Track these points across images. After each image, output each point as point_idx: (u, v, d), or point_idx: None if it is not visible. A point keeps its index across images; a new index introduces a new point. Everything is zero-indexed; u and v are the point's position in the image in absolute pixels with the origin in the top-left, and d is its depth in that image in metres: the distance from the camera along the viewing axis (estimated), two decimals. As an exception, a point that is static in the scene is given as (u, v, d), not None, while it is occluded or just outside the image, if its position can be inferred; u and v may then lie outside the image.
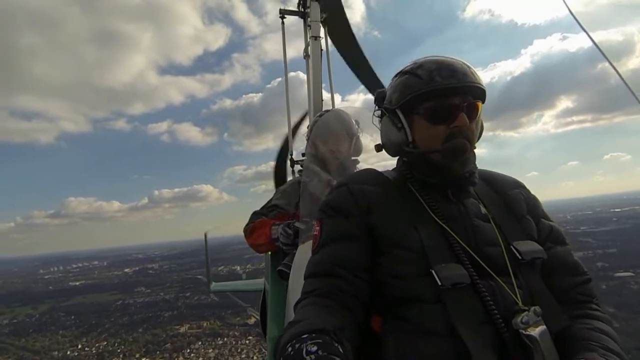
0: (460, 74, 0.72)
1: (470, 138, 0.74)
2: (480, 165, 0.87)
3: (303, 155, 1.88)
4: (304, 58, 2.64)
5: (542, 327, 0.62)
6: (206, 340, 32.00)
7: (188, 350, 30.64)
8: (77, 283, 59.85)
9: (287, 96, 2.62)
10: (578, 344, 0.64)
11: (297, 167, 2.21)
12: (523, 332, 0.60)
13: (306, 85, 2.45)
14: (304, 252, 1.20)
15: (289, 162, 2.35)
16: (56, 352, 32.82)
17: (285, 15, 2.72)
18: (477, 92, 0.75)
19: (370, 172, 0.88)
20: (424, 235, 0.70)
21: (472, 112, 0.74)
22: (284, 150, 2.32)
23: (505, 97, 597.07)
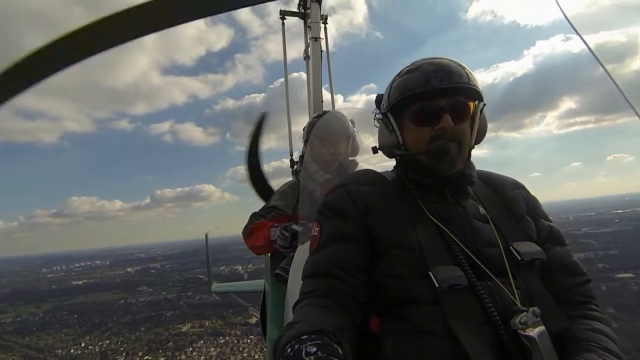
0: (449, 76, 0.72)
1: (457, 139, 0.74)
2: (482, 166, 0.87)
3: (301, 157, 1.87)
4: (304, 59, 2.65)
5: (541, 328, 0.62)
6: (208, 339, 32.10)
7: (190, 349, 30.75)
8: (80, 282, 60.21)
9: (287, 96, 2.63)
10: (577, 344, 0.64)
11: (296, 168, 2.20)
12: (522, 332, 0.60)
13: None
14: (302, 254, 1.18)
15: (289, 163, 2.35)
16: (60, 351, 33.04)
17: (286, 16, 2.73)
18: (469, 93, 0.74)
19: (369, 173, 0.87)
20: (422, 236, 0.70)
21: (460, 113, 0.73)
22: (253, 148, 2.21)
23: (508, 98, 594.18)
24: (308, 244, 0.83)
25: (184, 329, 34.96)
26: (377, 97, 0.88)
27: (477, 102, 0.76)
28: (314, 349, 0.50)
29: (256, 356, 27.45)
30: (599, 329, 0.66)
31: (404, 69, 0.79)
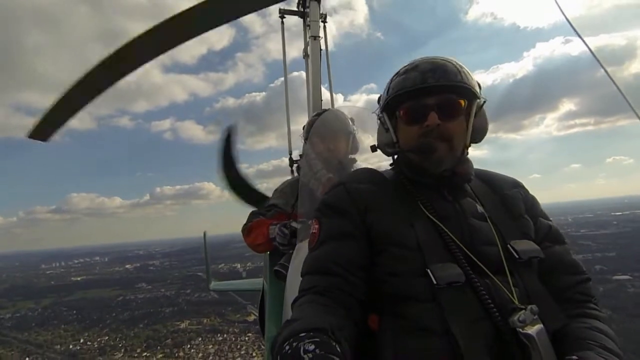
0: (438, 74, 0.72)
1: (447, 137, 0.73)
2: (482, 166, 0.86)
3: (301, 156, 1.87)
4: (304, 58, 2.64)
5: (539, 326, 0.62)
6: (206, 337, 32.19)
7: (188, 346, 30.85)
8: (79, 278, 60.29)
9: (287, 95, 2.63)
10: (575, 342, 0.63)
11: (296, 166, 2.17)
12: (520, 330, 0.60)
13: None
14: (301, 252, 1.19)
15: (288, 162, 2.35)
16: (59, 346, 33.15)
17: (285, 15, 2.72)
18: (461, 91, 0.74)
19: (368, 171, 0.88)
20: (420, 234, 0.70)
21: (449, 111, 0.73)
22: (227, 161, 2.12)
23: (508, 100, 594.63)
24: (307, 241, 0.83)
25: (183, 326, 35.06)
26: (379, 97, 0.89)
27: (471, 100, 0.76)
28: (312, 347, 0.50)
29: (254, 354, 27.54)
30: (598, 327, 0.66)
31: (400, 69, 0.80)
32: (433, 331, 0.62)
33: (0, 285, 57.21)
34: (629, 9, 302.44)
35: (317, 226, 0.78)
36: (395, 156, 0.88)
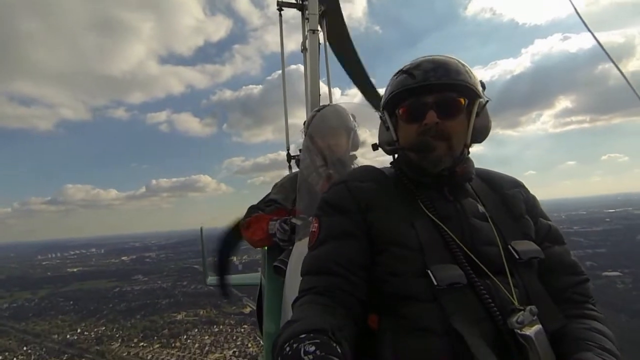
0: (438, 72, 0.72)
1: (445, 136, 0.73)
2: (479, 163, 0.85)
3: (300, 150, 1.88)
4: (302, 52, 2.61)
5: (538, 327, 0.62)
6: (202, 328, 32.53)
7: (185, 337, 31.18)
8: (75, 270, 60.23)
9: (284, 89, 2.61)
10: (574, 343, 0.64)
11: (294, 162, 2.18)
12: (518, 331, 0.60)
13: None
14: (300, 249, 1.19)
15: (286, 157, 2.34)
16: (56, 336, 33.31)
17: (283, 8, 2.67)
18: (461, 89, 0.73)
19: (369, 169, 0.87)
20: (421, 233, 0.70)
21: (449, 109, 0.73)
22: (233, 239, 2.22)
23: (505, 96, 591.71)
24: (306, 239, 0.83)
25: (179, 317, 35.35)
26: (383, 95, 0.89)
27: (473, 99, 0.75)
28: (312, 348, 0.50)
29: (249, 344, 27.91)
30: (597, 328, 0.67)
31: (402, 67, 0.79)
32: (433, 331, 0.62)
33: (-4, 276, 57.08)
34: (627, 6, 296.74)
35: (316, 225, 0.77)
36: (396, 155, 0.87)
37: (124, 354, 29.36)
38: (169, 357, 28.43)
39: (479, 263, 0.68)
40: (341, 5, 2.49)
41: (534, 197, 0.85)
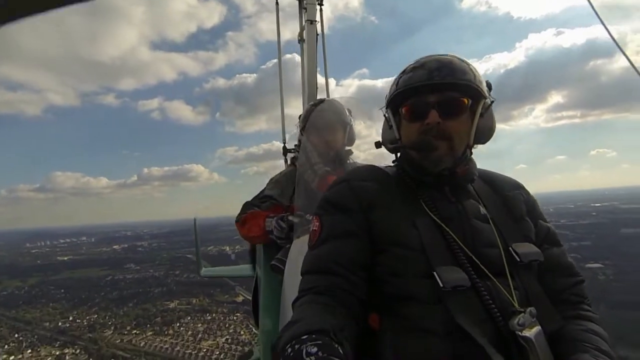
0: (442, 72, 0.71)
1: (447, 136, 0.73)
2: (474, 157, 0.86)
3: (296, 145, 1.85)
4: (299, 42, 2.56)
5: (537, 328, 0.63)
6: (195, 316, 32.79)
7: (178, 325, 31.44)
8: (65, 258, 59.49)
9: (281, 79, 2.57)
10: (572, 344, 0.65)
11: (290, 156, 2.12)
12: (519, 333, 0.61)
13: (301, 69, 2.40)
14: (299, 247, 1.18)
15: (282, 150, 2.32)
16: (48, 323, 33.14)
17: None
18: (465, 89, 0.73)
19: (371, 169, 0.87)
20: (423, 234, 0.70)
21: (451, 109, 0.73)
22: None
23: (499, 90, 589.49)
24: (304, 237, 0.84)
25: (172, 305, 35.49)
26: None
27: (477, 99, 0.75)
28: (314, 349, 0.50)
29: (241, 332, 28.34)
30: (592, 329, 0.69)
31: (408, 66, 0.79)
32: (434, 332, 0.63)
33: (-16, 263, 56.16)
34: (620, 2, 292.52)
35: (318, 223, 0.77)
36: (398, 153, 0.87)
37: (117, 341, 29.49)
38: (162, 344, 28.72)
39: (480, 265, 0.69)
40: (337, -5, 2.42)
41: (534, 199, 0.86)
